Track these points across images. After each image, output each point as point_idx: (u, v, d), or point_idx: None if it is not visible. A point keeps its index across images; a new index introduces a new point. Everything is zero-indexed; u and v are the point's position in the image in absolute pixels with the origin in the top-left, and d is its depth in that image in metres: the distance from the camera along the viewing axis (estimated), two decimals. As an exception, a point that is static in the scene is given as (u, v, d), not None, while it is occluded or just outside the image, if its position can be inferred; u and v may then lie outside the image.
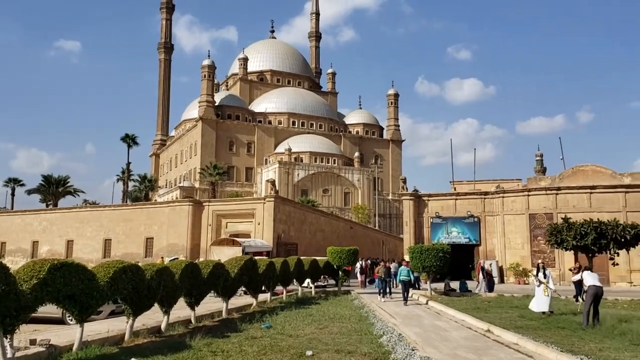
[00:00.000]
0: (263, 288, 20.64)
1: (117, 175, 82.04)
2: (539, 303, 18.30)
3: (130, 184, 79.78)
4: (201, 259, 34.30)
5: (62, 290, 9.77)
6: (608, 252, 23.74)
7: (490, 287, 28.33)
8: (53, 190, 73.40)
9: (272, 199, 43.71)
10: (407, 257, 34.66)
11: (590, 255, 23.79)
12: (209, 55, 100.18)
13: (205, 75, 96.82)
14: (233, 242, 38.01)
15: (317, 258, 28.40)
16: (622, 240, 23.05)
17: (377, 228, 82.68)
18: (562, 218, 25.63)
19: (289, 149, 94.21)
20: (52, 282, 9.51)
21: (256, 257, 22.07)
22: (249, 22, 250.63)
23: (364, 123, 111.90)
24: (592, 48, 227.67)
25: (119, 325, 13.49)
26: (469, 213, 38.20)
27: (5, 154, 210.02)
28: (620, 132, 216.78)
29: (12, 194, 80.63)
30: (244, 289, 20.13)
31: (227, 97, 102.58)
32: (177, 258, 34.48)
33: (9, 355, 8.93)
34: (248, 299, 20.89)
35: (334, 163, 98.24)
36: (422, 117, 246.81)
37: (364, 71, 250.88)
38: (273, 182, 47.48)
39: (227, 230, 45.89)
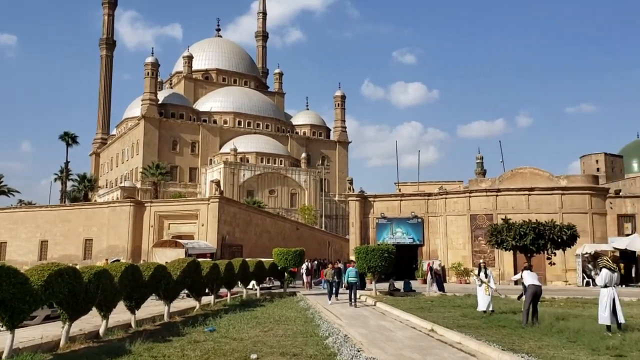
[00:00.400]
0: (207, 291, 20.21)
1: (55, 174, 79.11)
2: (480, 302, 18.68)
3: (69, 183, 77.15)
4: (142, 261, 33.38)
5: (-10, 295, 9.21)
6: (546, 252, 24.54)
7: (440, 286, 28.68)
8: (-15, 190, 69.99)
9: (217, 200, 43.08)
10: (352, 258, 34.84)
11: (528, 255, 24.51)
12: (152, 53, 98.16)
13: (148, 73, 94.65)
14: (176, 244, 37.20)
15: (263, 259, 28.12)
16: (559, 240, 23.88)
17: (323, 229, 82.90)
18: (502, 219, 26.31)
19: (235, 149, 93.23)
20: (-21, 287, 8.94)
21: (200, 259, 21.58)
22: (195, 20, 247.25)
23: (311, 124, 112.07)
24: (530, 55, 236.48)
25: (54, 331, 12.87)
26: (413, 214, 38.78)
27: None
28: (556, 136, 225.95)
29: (-60, 194, 76.30)
30: (186, 291, 19.66)
31: (170, 95, 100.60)
32: (119, 260, 33.49)
33: None
34: (191, 302, 20.42)
35: (281, 164, 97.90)
36: (368, 119, 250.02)
37: (311, 72, 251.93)
38: (218, 183, 46.81)
39: (169, 232, 44.95)
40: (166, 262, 19.15)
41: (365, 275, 26.45)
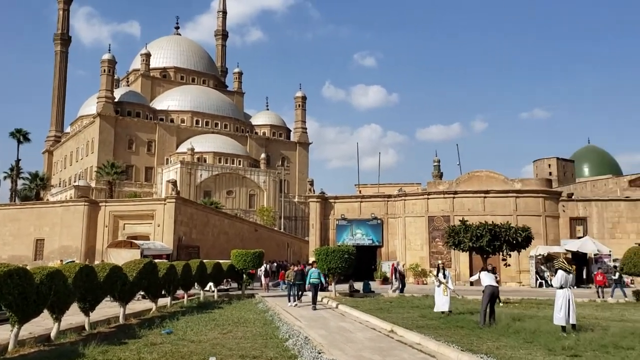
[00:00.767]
0: (163, 292, 19.79)
1: (5, 172, 76.16)
2: (438, 303, 18.85)
3: (20, 182, 74.38)
4: (97, 262, 32.49)
5: None
6: (501, 253, 24.98)
7: (402, 287, 28.81)
8: None
9: (174, 200, 42.34)
10: (312, 259, 34.75)
11: (485, 256, 24.89)
12: (109, 50, 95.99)
13: (104, 70, 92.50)
14: (131, 245, 36.37)
15: (221, 261, 27.76)
16: (514, 242, 24.33)
17: (282, 230, 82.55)
18: (460, 220, 26.65)
19: (192, 149, 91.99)
20: None
21: (156, 260, 21.11)
22: (153, 18, 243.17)
23: (270, 124, 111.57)
24: (486, 60, 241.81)
25: (1, 334, 12.33)
26: (373, 215, 39.02)
27: None
28: (510, 140, 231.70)
29: None
30: (142, 293, 19.20)
31: (127, 93, 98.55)
32: (74, 261, 32.54)
33: None
34: (147, 304, 19.96)
35: (239, 164, 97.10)
36: (329, 121, 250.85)
37: (272, 73, 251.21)
38: (175, 183, 46.03)
39: (125, 232, 43.94)
40: (121, 263, 18.65)
41: (327, 276, 26.35)
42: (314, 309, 21.05)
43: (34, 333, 12.54)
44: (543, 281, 34.82)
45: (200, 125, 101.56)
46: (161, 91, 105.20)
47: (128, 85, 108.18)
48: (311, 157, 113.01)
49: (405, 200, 38.72)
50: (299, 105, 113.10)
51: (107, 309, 17.76)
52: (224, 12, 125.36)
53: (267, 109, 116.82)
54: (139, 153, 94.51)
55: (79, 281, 13.00)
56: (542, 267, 35.23)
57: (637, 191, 39.65)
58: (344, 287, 28.97)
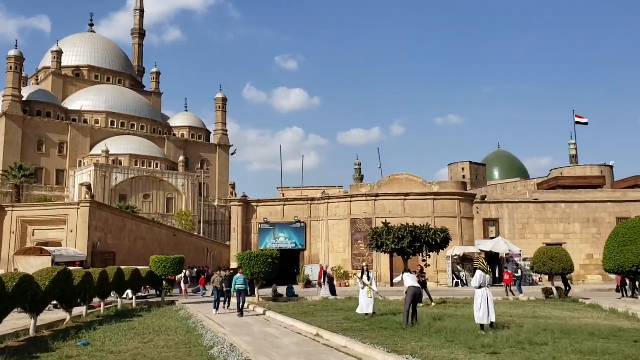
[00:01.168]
0: (79, 301, 18.79)
1: None
2: (363, 305, 19.03)
3: None
4: (1, 272, 30.46)
5: None
6: (421, 254, 25.67)
7: (332, 290, 28.85)
8: None
9: (88, 204, 40.48)
10: (234, 264, 34.23)
11: (405, 257, 25.51)
12: (16, 45, 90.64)
13: (11, 67, 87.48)
14: (41, 252, 34.46)
15: (140, 267, 26.79)
16: (434, 243, 25.08)
17: (202, 235, 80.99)
18: (382, 223, 27.13)
19: (107, 151, 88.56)
20: None
21: (70, 268, 20.03)
22: (65, 13, 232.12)
23: (189, 126, 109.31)
24: (403, 66, 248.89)
25: None
26: (296, 218, 39.03)
27: None
28: (426, 144, 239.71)
29: None
30: (55, 302, 18.13)
31: (36, 92, 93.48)
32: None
33: None
34: (61, 314, 18.89)
35: (157, 167, 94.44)
36: (250, 123, 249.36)
37: (191, 73, 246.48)
38: (89, 186, 44.08)
39: (34, 239, 41.51)
40: (31, 272, 17.53)
41: (253, 282, 25.88)
42: (241, 315, 20.43)
43: None
44: (459, 280, 36.13)
45: (115, 127, 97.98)
46: (74, 90, 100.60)
47: (38, 84, 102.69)
48: (232, 160, 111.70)
49: (328, 203, 39.02)
50: (220, 107, 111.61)
51: (16, 320, 16.64)
52: (142, 10, 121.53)
53: (186, 110, 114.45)
54: (49, 155, 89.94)
55: (-16, 293, 12.07)
56: (459, 267, 36.55)
57: (544, 194, 41.98)
58: (267, 291, 28.72)
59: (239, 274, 21.97)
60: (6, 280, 13.39)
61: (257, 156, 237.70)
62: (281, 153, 57.50)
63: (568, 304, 23.15)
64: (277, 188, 45.59)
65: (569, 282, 27.14)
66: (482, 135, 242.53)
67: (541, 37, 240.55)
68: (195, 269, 43.26)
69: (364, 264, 24.67)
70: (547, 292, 25.78)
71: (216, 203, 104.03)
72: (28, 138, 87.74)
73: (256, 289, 26.52)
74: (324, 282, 29.17)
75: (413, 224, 26.38)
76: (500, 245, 35.38)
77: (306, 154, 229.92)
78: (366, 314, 18.55)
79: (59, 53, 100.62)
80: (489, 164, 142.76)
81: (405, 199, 37.81)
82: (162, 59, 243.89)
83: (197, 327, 16.86)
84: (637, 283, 26.51)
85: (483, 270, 14.64)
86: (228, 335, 15.23)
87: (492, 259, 36.44)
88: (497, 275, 36.69)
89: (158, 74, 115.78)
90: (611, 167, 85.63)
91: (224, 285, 23.06)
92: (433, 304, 22.67)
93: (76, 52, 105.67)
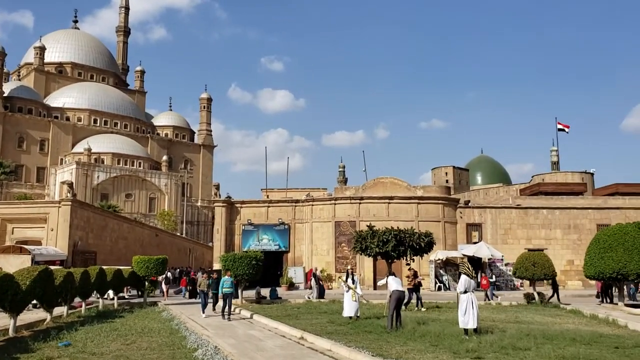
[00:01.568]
0: (59, 300, 18.53)
1: None
2: (347, 308, 19.02)
3: None
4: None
5: None
6: (405, 258, 25.69)
7: (321, 293, 28.73)
8: None
9: (69, 203, 39.96)
10: (217, 265, 34.04)
11: (390, 261, 25.51)
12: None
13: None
14: (21, 250, 33.94)
15: (122, 268, 26.53)
16: (418, 247, 25.12)
17: (184, 236, 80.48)
18: (367, 226, 27.11)
19: (89, 149, 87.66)
20: None
21: (50, 267, 19.76)
22: (48, 9, 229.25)
23: (174, 125, 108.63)
24: (388, 70, 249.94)
25: None
26: (280, 220, 38.92)
27: None
28: (410, 148, 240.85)
29: None
30: (34, 302, 17.85)
31: (18, 88, 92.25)
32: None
33: None
34: (41, 314, 18.64)
35: (140, 166, 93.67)
36: (234, 124, 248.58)
37: (176, 72, 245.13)
38: (70, 184, 43.49)
39: (13, 237, 40.83)
40: (11, 271, 17.26)
41: (237, 284, 25.67)
42: (229, 319, 19.63)
43: None
44: (442, 284, 36.30)
45: (98, 125, 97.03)
46: (56, 87, 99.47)
47: (19, 80, 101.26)
48: (216, 160, 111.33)
49: (312, 205, 38.97)
50: (204, 106, 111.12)
51: (-6, 320, 16.38)
52: (127, 8, 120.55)
53: (171, 110, 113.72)
54: (30, 152, 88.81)
55: (-36, 292, 11.86)
56: (441, 271, 36.72)
57: (526, 199, 42.35)
58: (250, 293, 28.61)
59: (226, 277, 21.28)
60: (-14, 280, 13.19)
61: (241, 157, 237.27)
62: (266, 154, 57.51)
63: (549, 309, 23.38)
64: (261, 189, 45.44)
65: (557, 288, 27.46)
66: (465, 140, 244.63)
67: (526, 43, 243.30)
68: (178, 270, 42.92)
69: (349, 267, 24.64)
70: (529, 297, 26.00)
71: (199, 203, 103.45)
72: (8, 135, 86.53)
73: (240, 291, 26.38)
74: (316, 284, 29.04)
75: (397, 227, 26.38)
76: (482, 250, 35.60)
77: (291, 156, 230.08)
78: (350, 317, 18.55)
79: (42, 49, 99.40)
80: (472, 169, 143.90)
81: (389, 203, 37.89)
82: (147, 57, 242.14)
83: (181, 328, 16.73)
84: (614, 289, 26.90)
85: (468, 275, 14.72)
86: (212, 337, 15.13)
87: (475, 263, 36.68)
88: (479, 280, 37.04)
89: (142, 72, 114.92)
90: (592, 174, 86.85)
91: (210, 288, 22.69)
92: (423, 309, 22.67)
93: (59, 48, 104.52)
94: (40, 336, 14.37)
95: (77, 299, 20.91)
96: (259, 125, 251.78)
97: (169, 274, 32.90)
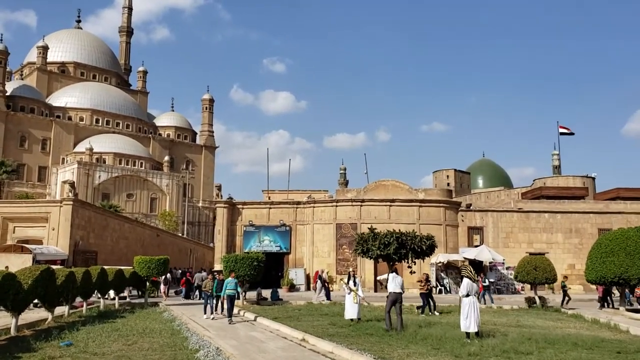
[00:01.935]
0: (61, 300, 18.52)
1: None
2: (349, 310, 19.03)
3: None
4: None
5: None
6: (406, 260, 25.65)
7: (327, 295, 28.71)
8: None
9: (71, 202, 39.97)
10: (217, 266, 34.03)
11: (391, 263, 25.47)
12: (1, 40, 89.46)
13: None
14: (22, 249, 33.99)
15: (123, 268, 26.54)
16: (419, 250, 25.07)
17: (185, 236, 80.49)
18: (368, 228, 27.08)
19: (91, 149, 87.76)
20: None
21: (52, 267, 19.76)
22: (52, 8, 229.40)
23: (175, 126, 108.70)
24: (389, 72, 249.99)
25: None
26: (281, 222, 38.92)
27: None
28: (411, 151, 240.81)
29: None
30: (36, 301, 17.85)
31: (21, 87, 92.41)
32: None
33: None
34: (42, 313, 18.64)
35: (141, 166, 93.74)
36: (236, 125, 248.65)
37: (178, 73, 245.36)
38: (72, 184, 43.51)
39: (14, 236, 40.87)
40: (13, 270, 17.27)
41: (241, 286, 25.61)
42: (231, 322, 19.20)
43: None
44: (442, 288, 36.27)
45: (100, 124, 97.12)
46: (59, 87, 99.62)
47: (22, 79, 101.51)
48: (217, 161, 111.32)
49: (314, 207, 38.97)
50: (206, 107, 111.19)
51: (-4, 319, 16.40)
52: (130, 8, 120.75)
53: (173, 110, 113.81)
54: (32, 151, 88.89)
55: (-34, 291, 11.87)
56: (442, 274, 36.69)
57: (528, 203, 42.33)
58: (252, 294, 28.61)
59: (230, 278, 20.92)
60: (-11, 279, 13.20)
61: (243, 158, 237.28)
62: (268, 156, 57.45)
63: (551, 313, 23.37)
64: (263, 191, 45.46)
65: (563, 292, 27.49)
66: (466, 143, 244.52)
67: (528, 47, 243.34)
68: (180, 270, 42.92)
69: (351, 270, 24.62)
70: (530, 301, 25.98)
71: (200, 204, 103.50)
72: (10, 134, 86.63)
73: (241, 292, 26.37)
74: (323, 286, 29.01)
75: (399, 230, 26.35)
76: (484, 254, 35.59)
77: (292, 157, 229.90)
78: (352, 320, 18.56)
79: (45, 48, 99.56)
80: (473, 172, 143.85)
81: (391, 205, 37.88)
82: (150, 57, 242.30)
83: (182, 329, 16.72)
84: (611, 295, 26.97)
85: (471, 279, 14.73)
86: (213, 338, 15.12)
87: (476, 266, 36.66)
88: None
89: (145, 72, 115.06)
90: (593, 178, 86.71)
91: (214, 289, 22.44)
92: (437, 313, 22.52)
93: (62, 48, 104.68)
94: (42, 336, 14.37)
95: (78, 299, 20.90)
96: (260, 127, 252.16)
97: (168, 275, 32.87)
